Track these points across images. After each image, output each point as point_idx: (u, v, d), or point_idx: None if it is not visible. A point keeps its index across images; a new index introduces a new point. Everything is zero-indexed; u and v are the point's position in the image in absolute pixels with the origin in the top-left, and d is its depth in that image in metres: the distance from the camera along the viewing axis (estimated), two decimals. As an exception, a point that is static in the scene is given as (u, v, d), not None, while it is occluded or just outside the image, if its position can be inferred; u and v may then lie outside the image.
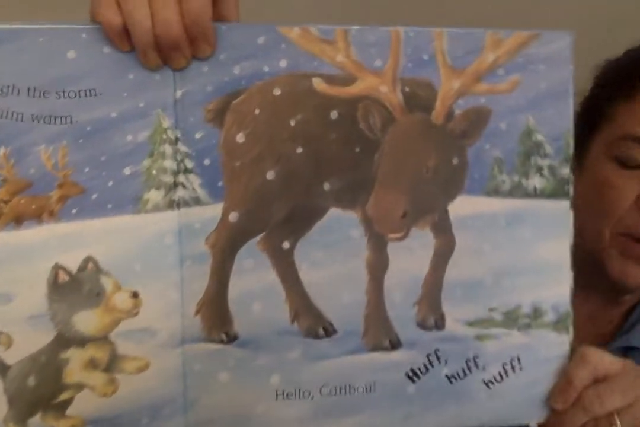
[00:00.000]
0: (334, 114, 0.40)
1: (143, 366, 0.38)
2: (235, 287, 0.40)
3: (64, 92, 0.35)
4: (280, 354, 0.40)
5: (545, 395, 0.44)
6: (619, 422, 0.42)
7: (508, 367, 0.44)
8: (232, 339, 0.40)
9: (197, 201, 0.39)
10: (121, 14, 0.34)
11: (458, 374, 0.43)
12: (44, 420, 0.36)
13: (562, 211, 0.44)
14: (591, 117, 0.61)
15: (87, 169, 0.36)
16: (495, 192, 0.43)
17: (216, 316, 0.40)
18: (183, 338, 0.39)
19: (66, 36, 0.35)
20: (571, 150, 0.44)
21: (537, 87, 0.43)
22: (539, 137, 0.43)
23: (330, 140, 0.40)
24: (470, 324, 0.43)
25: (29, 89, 0.35)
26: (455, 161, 0.42)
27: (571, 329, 0.45)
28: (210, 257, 0.39)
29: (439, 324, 0.43)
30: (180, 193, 0.39)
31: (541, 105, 0.43)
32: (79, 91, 0.36)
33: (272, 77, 0.39)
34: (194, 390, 0.40)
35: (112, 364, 0.37)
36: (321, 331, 0.41)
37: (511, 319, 0.44)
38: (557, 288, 0.44)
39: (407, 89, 0.41)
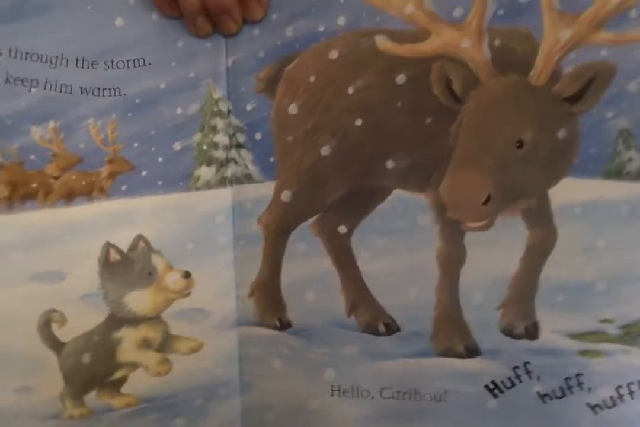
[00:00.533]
0: (400, 78, 0.34)
1: (196, 347, 0.37)
2: (288, 272, 0.36)
3: (112, 62, 0.34)
4: (335, 347, 0.37)
5: (676, 434, 0.34)
6: None
7: (624, 391, 0.35)
8: (285, 326, 0.37)
9: (249, 178, 0.36)
10: None
11: (554, 393, 0.35)
12: (99, 397, 0.37)
13: None
14: None
15: (136, 144, 0.35)
16: (618, 173, 0.33)
17: (269, 301, 0.37)
18: (238, 320, 0.37)
19: (114, 3, 0.34)
20: None
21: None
22: (689, 100, 0.31)
23: (396, 109, 0.34)
24: (574, 336, 0.34)
25: (77, 60, 0.34)
26: (561, 134, 0.33)
27: None
28: (263, 238, 0.36)
29: (531, 332, 0.35)
30: (232, 169, 0.36)
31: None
32: (128, 61, 0.34)
33: (328, 37, 0.34)
34: (249, 374, 0.38)
35: (165, 344, 0.37)
36: (382, 327, 0.36)
37: (631, 334, 0.34)
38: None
39: (497, 43, 0.32)
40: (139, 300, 0.36)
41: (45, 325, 0.35)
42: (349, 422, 0.37)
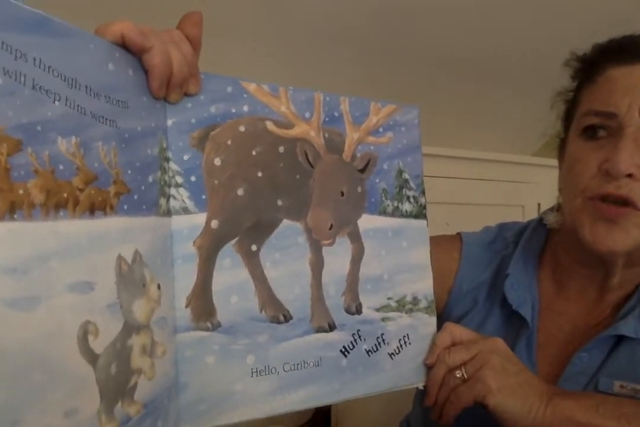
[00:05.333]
0: (281, 149, 0.50)
1: (165, 351, 0.41)
2: (217, 282, 0.45)
3: (109, 98, 0.38)
4: (253, 337, 0.47)
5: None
6: (464, 371, 0.55)
7: (402, 342, 0.56)
8: (216, 326, 0.45)
9: (185, 210, 0.44)
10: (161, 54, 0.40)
11: (373, 349, 0.53)
12: (122, 407, 0.36)
13: (422, 228, 0.60)
14: (569, 107, 0.67)
15: (129, 172, 0.40)
16: (384, 212, 0.57)
17: (203, 307, 0.45)
18: (176, 328, 0.42)
19: (107, 49, 0.39)
20: (423, 185, 0.59)
21: (402, 142, 0.59)
22: (406, 175, 0.59)
23: (280, 168, 0.50)
24: (377, 309, 0.55)
25: (86, 87, 0.36)
26: (359, 189, 0.55)
27: (435, 312, 0.58)
28: (197, 257, 0.44)
29: (359, 310, 0.53)
30: (172, 203, 0.44)
31: (405, 154, 0.59)
32: (118, 101, 0.39)
33: (238, 117, 0.49)
34: (185, 375, 0.43)
35: (151, 350, 0.40)
36: (282, 317, 0.48)
37: (401, 305, 0.56)
38: (425, 282, 0.59)
39: (326, 135, 0.53)
40: (140, 309, 0.39)
41: (84, 338, 0.33)
42: (265, 397, 0.46)
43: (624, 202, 0.56)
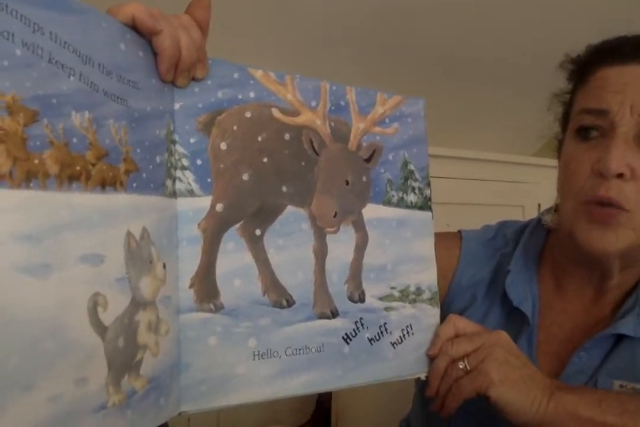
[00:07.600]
0: (287, 136, 0.52)
1: (168, 330, 0.42)
2: (221, 265, 0.47)
3: (121, 77, 0.40)
4: (256, 321, 0.48)
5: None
6: (467, 362, 0.56)
7: (405, 332, 0.57)
8: (219, 308, 0.46)
9: (191, 193, 0.46)
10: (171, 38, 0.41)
11: (375, 337, 0.55)
12: (129, 381, 0.38)
13: (427, 219, 0.62)
14: (566, 109, 0.70)
15: (138, 150, 0.42)
16: (388, 202, 0.59)
17: (206, 289, 0.46)
18: (179, 308, 0.44)
19: (119, 30, 0.41)
20: (429, 177, 0.61)
21: (408, 133, 0.61)
22: (411, 166, 0.60)
23: (285, 154, 0.52)
24: (380, 298, 0.56)
25: (99, 65, 0.38)
26: (364, 178, 0.57)
27: (439, 304, 0.60)
28: (202, 240, 0.46)
29: (362, 298, 0.55)
30: (178, 186, 0.46)
31: (411, 146, 0.61)
32: (129, 81, 0.41)
33: (245, 103, 0.50)
34: (187, 355, 0.44)
35: (156, 327, 0.42)
36: (284, 302, 0.50)
37: (404, 295, 0.58)
38: (429, 273, 0.60)
39: (332, 124, 0.55)
40: (147, 285, 0.41)
41: (93, 309, 0.35)
42: (266, 380, 0.48)
43: (613, 205, 0.58)
